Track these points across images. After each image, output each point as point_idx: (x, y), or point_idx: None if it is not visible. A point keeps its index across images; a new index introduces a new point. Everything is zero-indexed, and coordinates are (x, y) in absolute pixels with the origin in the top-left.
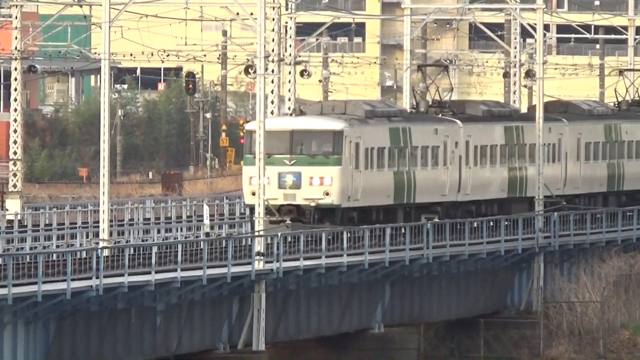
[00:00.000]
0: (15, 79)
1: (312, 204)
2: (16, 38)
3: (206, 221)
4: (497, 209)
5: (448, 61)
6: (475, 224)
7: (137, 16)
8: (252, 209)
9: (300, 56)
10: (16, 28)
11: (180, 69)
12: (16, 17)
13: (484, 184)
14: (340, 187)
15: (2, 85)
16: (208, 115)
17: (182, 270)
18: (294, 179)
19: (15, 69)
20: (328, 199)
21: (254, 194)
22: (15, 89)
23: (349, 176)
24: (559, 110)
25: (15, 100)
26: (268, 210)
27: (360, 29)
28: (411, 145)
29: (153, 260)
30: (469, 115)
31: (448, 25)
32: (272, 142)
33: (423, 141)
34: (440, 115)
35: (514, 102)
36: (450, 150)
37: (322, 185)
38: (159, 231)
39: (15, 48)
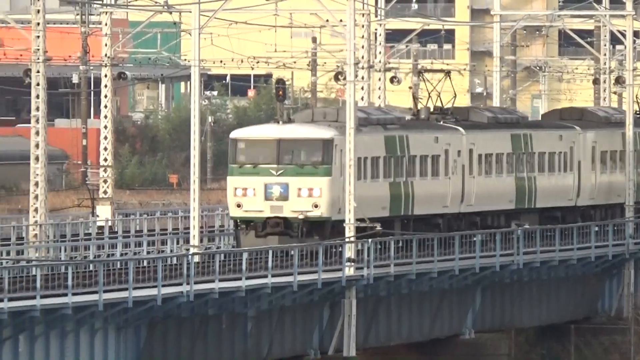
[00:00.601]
0: (106, 86)
1: (301, 217)
2: (106, 45)
3: None
4: (504, 221)
5: (537, 68)
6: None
7: (227, 23)
8: (236, 222)
9: (389, 63)
10: (106, 35)
11: (270, 75)
12: (106, 24)
13: (489, 194)
14: (330, 198)
15: (92, 92)
16: None
17: (272, 276)
18: (281, 190)
19: (105, 75)
20: (317, 211)
21: (239, 205)
22: (106, 96)
23: (339, 187)
24: (573, 117)
25: (106, 107)
26: (243, 224)
27: (449, 36)
28: (409, 155)
29: (244, 267)
30: (473, 123)
31: (537, 32)
32: (258, 151)
33: (422, 150)
34: (441, 123)
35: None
36: (452, 159)
37: (310, 197)
38: None
39: (105, 55)
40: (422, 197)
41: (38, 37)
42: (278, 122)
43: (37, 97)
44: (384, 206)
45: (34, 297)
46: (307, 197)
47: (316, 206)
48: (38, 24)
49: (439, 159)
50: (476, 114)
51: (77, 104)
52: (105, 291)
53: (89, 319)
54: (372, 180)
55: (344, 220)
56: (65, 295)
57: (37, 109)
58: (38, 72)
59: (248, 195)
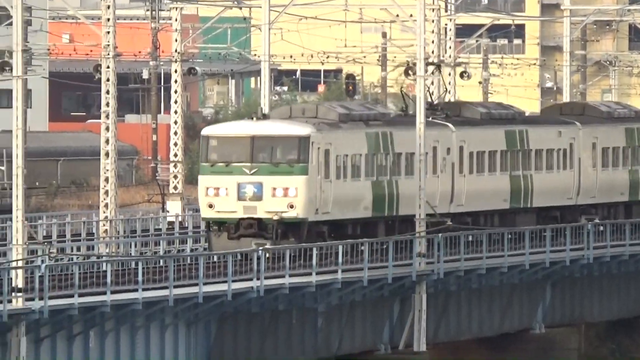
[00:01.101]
0: (176, 81)
1: (275, 218)
2: (176, 40)
3: None
4: (498, 221)
5: (608, 62)
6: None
7: (297, 18)
8: (208, 223)
9: (459, 58)
10: (176, 30)
11: (340, 70)
12: (176, 20)
13: (481, 194)
14: (307, 198)
15: (162, 88)
16: None
17: (343, 271)
18: (255, 190)
19: (176, 71)
20: (292, 212)
21: (211, 206)
22: (176, 91)
23: (316, 187)
24: (575, 112)
25: (176, 102)
26: (212, 226)
27: (519, 31)
28: (393, 152)
29: (314, 262)
30: (465, 119)
31: (607, 27)
32: (230, 148)
33: (407, 147)
34: (430, 119)
35: None
36: (440, 157)
37: (286, 196)
38: None
39: (176, 50)
40: (408, 197)
41: (108, 32)
42: (252, 119)
43: (107, 92)
44: (366, 206)
45: (104, 293)
46: (282, 197)
47: (292, 206)
48: (108, 19)
49: (426, 157)
50: (468, 109)
51: (147, 99)
52: (175, 286)
53: (159, 314)
54: (352, 180)
55: (322, 222)
56: (136, 290)
57: (107, 104)
58: (108, 67)
59: (220, 195)
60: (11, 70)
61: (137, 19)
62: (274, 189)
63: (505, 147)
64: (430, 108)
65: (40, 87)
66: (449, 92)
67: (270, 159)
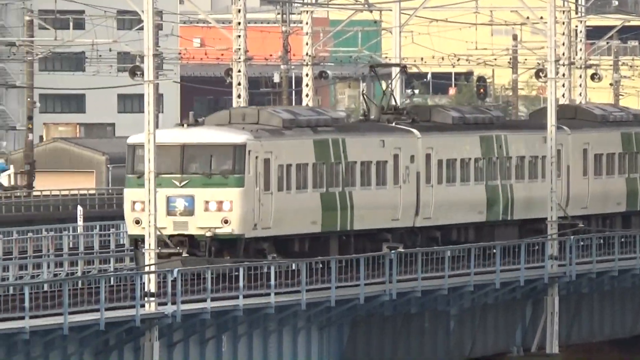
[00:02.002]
0: (307, 85)
1: (208, 234)
2: (307, 44)
3: None
4: (473, 235)
5: None
6: None
7: (428, 21)
8: (135, 241)
9: (590, 60)
10: (307, 34)
11: (470, 73)
12: (307, 23)
13: (453, 205)
14: (243, 213)
15: (293, 92)
16: None
17: (475, 274)
18: (186, 203)
19: (307, 74)
20: (227, 227)
21: (138, 222)
22: (307, 95)
23: (254, 200)
24: (566, 116)
25: (307, 105)
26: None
27: None
28: (346, 161)
29: (446, 265)
30: (434, 124)
31: None
32: (159, 158)
33: (363, 155)
34: (394, 124)
35: None
36: (403, 165)
37: (219, 211)
38: None
39: (307, 54)
40: (364, 210)
41: (239, 36)
42: (183, 125)
43: (239, 96)
44: (314, 221)
45: (236, 297)
46: (215, 211)
47: (226, 222)
48: (239, 23)
49: (385, 166)
50: (439, 113)
51: (279, 103)
52: (307, 290)
53: (292, 318)
54: (298, 192)
55: (262, 238)
56: (268, 295)
57: None
58: (239, 71)
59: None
60: (142, 74)
61: (268, 23)
62: (207, 202)
63: (480, 155)
64: (395, 112)
65: (172, 91)
66: (414, 93)
67: (202, 169)
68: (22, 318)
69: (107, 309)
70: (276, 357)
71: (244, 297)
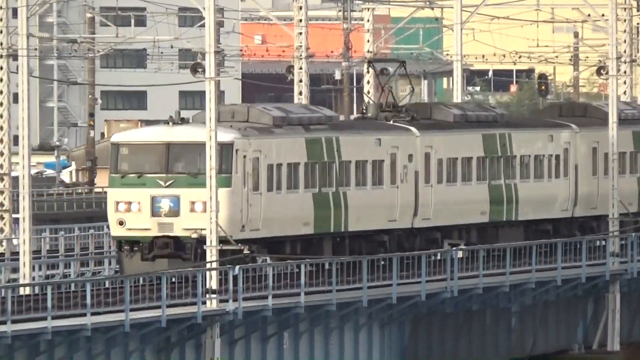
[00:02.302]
0: (368, 82)
1: (194, 236)
2: (368, 41)
3: None
4: (476, 237)
5: None
6: None
7: (489, 18)
8: (120, 243)
9: None
10: (368, 31)
11: (532, 70)
12: (368, 20)
13: (453, 206)
14: (229, 214)
15: (354, 89)
16: None
17: (536, 271)
18: (171, 204)
19: (367, 71)
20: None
21: (121, 223)
22: (368, 92)
23: (242, 200)
24: (575, 113)
25: (368, 103)
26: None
27: None
28: (340, 160)
29: (508, 262)
30: (435, 122)
31: None
32: (143, 158)
33: (358, 154)
34: (392, 122)
35: None
36: (400, 164)
37: (206, 212)
38: None
39: (368, 51)
40: (359, 211)
41: (300, 33)
42: (168, 123)
43: (300, 93)
44: (307, 222)
45: (298, 294)
46: (201, 212)
47: None
48: (300, 20)
49: (382, 165)
50: (440, 111)
51: (340, 100)
52: (369, 287)
53: (354, 315)
54: (288, 192)
55: (250, 240)
56: (330, 292)
57: None
58: (301, 68)
59: (132, 211)
60: (204, 71)
61: (329, 20)
62: (193, 203)
63: (483, 154)
64: (393, 110)
65: (233, 88)
66: (413, 91)
67: (188, 169)
68: (84, 315)
69: (168, 306)
70: (337, 354)
71: (306, 294)
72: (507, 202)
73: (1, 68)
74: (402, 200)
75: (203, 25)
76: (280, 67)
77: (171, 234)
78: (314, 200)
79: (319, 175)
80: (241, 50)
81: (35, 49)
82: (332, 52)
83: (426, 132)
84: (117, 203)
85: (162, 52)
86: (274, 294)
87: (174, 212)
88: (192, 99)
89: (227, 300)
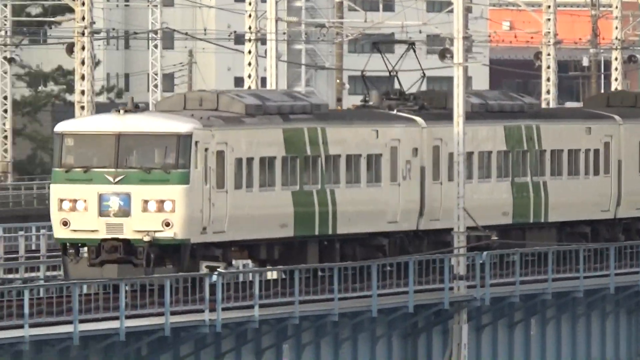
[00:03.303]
0: (616, 69)
1: (147, 239)
2: (616, 28)
3: None
4: (498, 239)
5: None
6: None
7: None
8: (64, 246)
9: None
10: (616, 18)
11: None
12: (616, 7)
13: (468, 206)
14: (187, 214)
15: (602, 75)
16: None
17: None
18: (121, 203)
19: (616, 58)
20: (169, 231)
21: (65, 224)
22: (616, 79)
23: (202, 199)
24: (624, 103)
25: (616, 90)
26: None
27: None
28: (326, 154)
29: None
30: (449, 111)
31: None
32: (90, 150)
33: (350, 148)
34: (395, 111)
35: None
36: (402, 159)
37: (160, 212)
38: None
39: (616, 38)
40: (351, 211)
41: (549, 20)
42: (119, 111)
43: (548, 80)
44: (284, 223)
45: (545, 281)
46: (155, 212)
47: (167, 224)
48: (549, 7)
49: (380, 160)
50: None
51: (587, 87)
52: (616, 274)
53: (600, 302)
54: (262, 190)
55: (213, 244)
56: (577, 278)
57: (548, 92)
58: (549, 55)
59: (77, 210)
60: (452, 57)
61: (578, 6)
62: (145, 202)
63: (505, 147)
64: (400, 98)
65: (480, 74)
66: (424, 77)
67: (140, 163)
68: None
69: (416, 292)
70: (584, 340)
71: (553, 280)
72: (534, 201)
73: (250, 52)
74: (404, 200)
75: (451, 11)
76: (527, 53)
77: (121, 237)
78: (294, 199)
79: (299, 171)
80: (489, 36)
81: (284, 33)
82: (579, 39)
83: (435, 123)
84: (61, 201)
85: (410, 37)
86: (521, 281)
87: (124, 212)
88: (439, 84)
89: (474, 287)
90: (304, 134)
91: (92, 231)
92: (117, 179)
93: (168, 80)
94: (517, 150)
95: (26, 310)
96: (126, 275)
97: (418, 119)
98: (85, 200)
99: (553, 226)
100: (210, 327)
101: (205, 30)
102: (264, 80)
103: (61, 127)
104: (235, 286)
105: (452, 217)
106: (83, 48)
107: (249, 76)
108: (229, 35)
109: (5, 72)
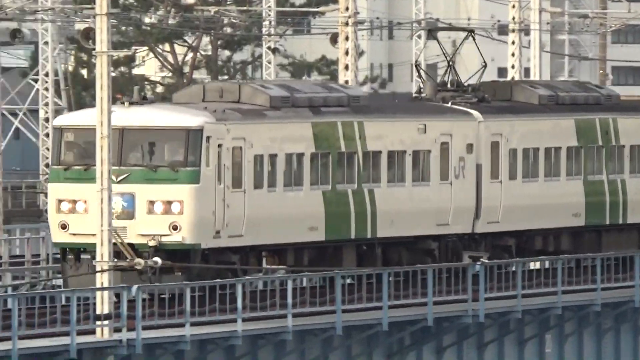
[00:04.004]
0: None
1: (151, 244)
2: None
3: None
4: (568, 244)
5: None
6: None
7: None
8: (63, 251)
9: None
10: None
11: None
12: None
13: (533, 207)
14: (197, 217)
15: None
16: None
17: None
18: (124, 204)
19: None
20: (177, 235)
21: (64, 227)
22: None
23: (215, 200)
24: None
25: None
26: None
27: None
28: (364, 151)
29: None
30: (512, 104)
31: None
32: (90, 146)
33: (392, 143)
34: (449, 104)
35: None
36: (455, 156)
37: (167, 213)
38: None
39: None
40: (393, 213)
41: None
42: (123, 103)
43: None
44: (314, 226)
45: None
46: (161, 214)
47: (175, 228)
48: None
49: (428, 157)
50: (523, 91)
51: None
52: None
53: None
54: (287, 190)
55: (230, 249)
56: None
57: None
58: None
59: (77, 211)
60: None
61: None
62: (151, 203)
63: (576, 143)
64: (457, 89)
65: None
66: (485, 67)
67: (145, 160)
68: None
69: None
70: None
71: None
72: (610, 202)
73: (513, 43)
74: (457, 200)
75: None
76: None
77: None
78: (325, 199)
79: (332, 169)
80: None
81: (547, 24)
82: None
83: (494, 117)
84: (59, 202)
85: None
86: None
87: (128, 214)
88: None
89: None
90: (337, 129)
91: (93, 235)
92: (120, 178)
93: (431, 70)
94: (590, 145)
95: (15, 323)
96: (129, 284)
97: (474, 112)
98: (85, 201)
99: (633, 228)
100: (472, 317)
101: (468, 19)
102: (527, 71)
103: (60, 120)
104: (498, 276)
105: (514, 219)
106: (347, 38)
107: (512, 67)
108: (493, 26)
109: (269, 62)
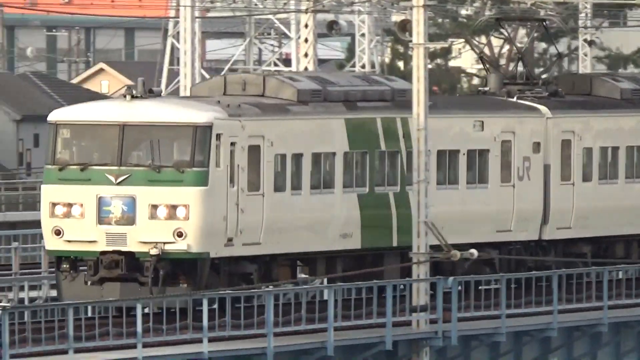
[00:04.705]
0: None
1: (154, 252)
2: None
3: None
4: None
5: None
6: None
7: None
8: (57, 259)
9: None
10: None
11: None
12: None
13: (611, 211)
14: (205, 222)
15: None
16: None
17: None
18: (124, 208)
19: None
20: (182, 243)
21: (58, 233)
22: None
23: (226, 204)
24: None
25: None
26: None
27: None
28: (408, 150)
29: None
30: (591, 99)
31: None
32: (89, 143)
33: (442, 142)
34: (515, 99)
35: None
36: (518, 156)
37: (171, 219)
38: None
39: None
40: (445, 218)
41: None
42: (125, 97)
43: None
44: (347, 233)
45: None
46: (165, 219)
47: (180, 235)
48: None
49: (486, 157)
50: (604, 85)
51: None
52: None
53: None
54: (314, 193)
55: (245, 258)
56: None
57: None
58: None
59: (73, 216)
60: None
61: None
62: (154, 207)
63: None
64: (526, 82)
65: None
66: (562, 57)
67: (148, 160)
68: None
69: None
70: None
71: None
72: None
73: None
74: (520, 204)
75: None
76: None
77: (123, 249)
78: (361, 204)
79: (370, 170)
80: None
81: None
82: None
83: (564, 113)
84: (54, 205)
85: None
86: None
87: (128, 219)
88: None
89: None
90: (376, 125)
91: (90, 242)
92: (120, 179)
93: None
94: None
95: (6, 339)
96: (127, 296)
97: (542, 107)
98: (81, 205)
99: None
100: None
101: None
102: None
103: (55, 115)
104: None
105: (587, 225)
106: None
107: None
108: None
109: (586, 55)
